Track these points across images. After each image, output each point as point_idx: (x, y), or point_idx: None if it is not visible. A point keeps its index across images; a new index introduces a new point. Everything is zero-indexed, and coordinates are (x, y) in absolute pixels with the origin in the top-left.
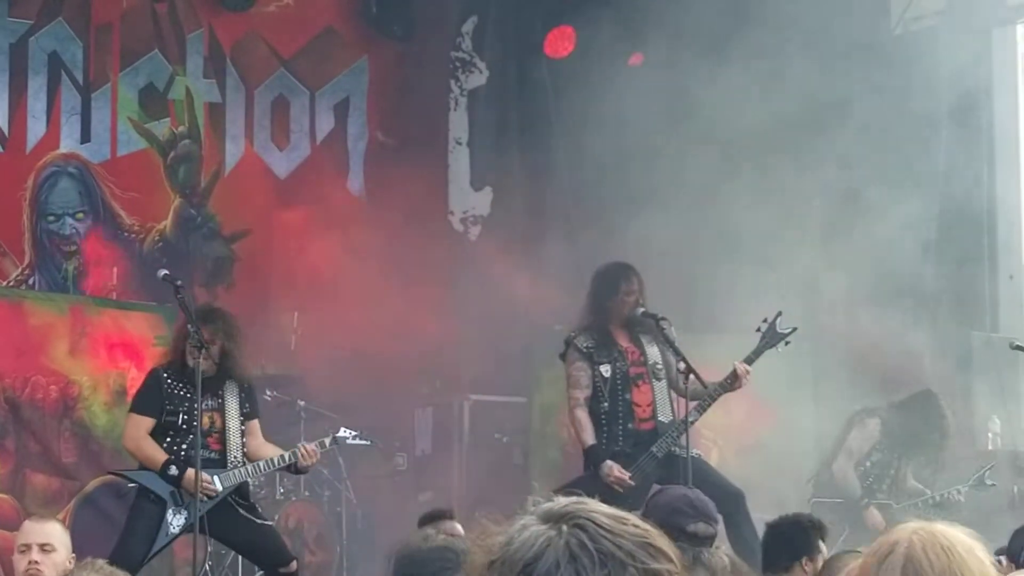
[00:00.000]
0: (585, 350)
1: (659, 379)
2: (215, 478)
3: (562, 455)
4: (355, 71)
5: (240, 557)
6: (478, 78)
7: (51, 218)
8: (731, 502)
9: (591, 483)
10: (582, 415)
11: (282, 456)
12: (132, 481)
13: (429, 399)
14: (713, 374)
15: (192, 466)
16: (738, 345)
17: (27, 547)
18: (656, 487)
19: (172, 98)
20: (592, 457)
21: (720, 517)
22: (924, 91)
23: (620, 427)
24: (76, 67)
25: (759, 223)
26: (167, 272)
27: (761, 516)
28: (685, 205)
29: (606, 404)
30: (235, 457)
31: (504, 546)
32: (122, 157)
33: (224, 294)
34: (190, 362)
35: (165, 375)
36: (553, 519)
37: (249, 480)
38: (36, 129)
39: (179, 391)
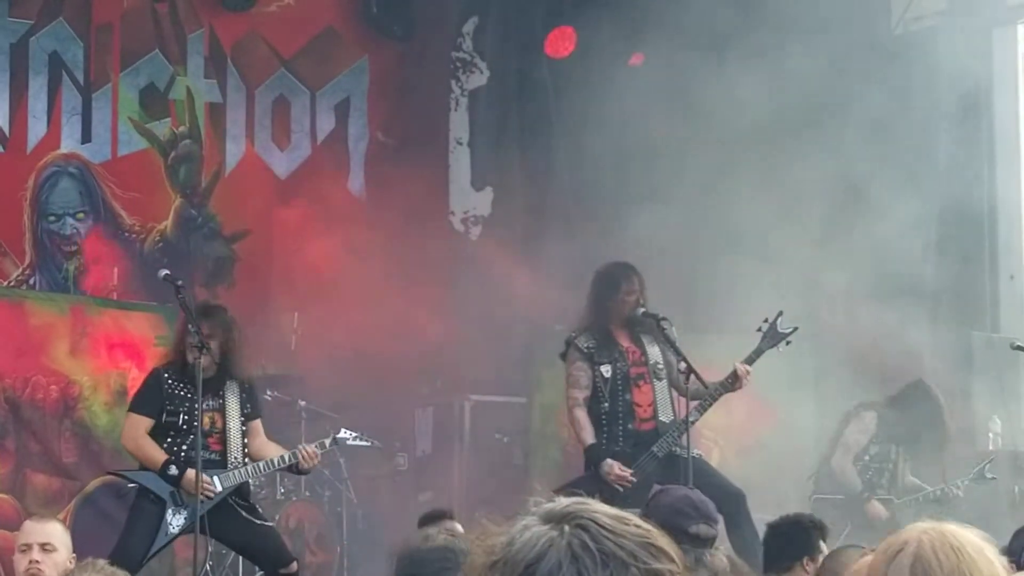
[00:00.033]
0: (586, 350)
1: (660, 379)
2: (215, 478)
3: (562, 455)
4: (355, 71)
5: (240, 557)
6: (478, 78)
7: (52, 218)
8: (732, 502)
9: (591, 483)
10: (581, 415)
11: (283, 457)
12: (132, 481)
13: (429, 399)
14: (714, 374)
15: (192, 466)
16: (739, 345)
17: (28, 546)
18: (657, 487)
19: (173, 98)
20: (592, 456)
21: (720, 518)
22: (924, 91)
23: (620, 427)
24: (77, 67)
25: (759, 223)
26: (168, 272)
27: (762, 516)
28: (686, 205)
29: (606, 404)
30: (235, 458)
31: (506, 546)
32: (123, 157)
33: (224, 294)
34: (191, 361)
35: (166, 375)
36: (555, 519)
37: (249, 480)
38: (37, 129)
39: (180, 391)
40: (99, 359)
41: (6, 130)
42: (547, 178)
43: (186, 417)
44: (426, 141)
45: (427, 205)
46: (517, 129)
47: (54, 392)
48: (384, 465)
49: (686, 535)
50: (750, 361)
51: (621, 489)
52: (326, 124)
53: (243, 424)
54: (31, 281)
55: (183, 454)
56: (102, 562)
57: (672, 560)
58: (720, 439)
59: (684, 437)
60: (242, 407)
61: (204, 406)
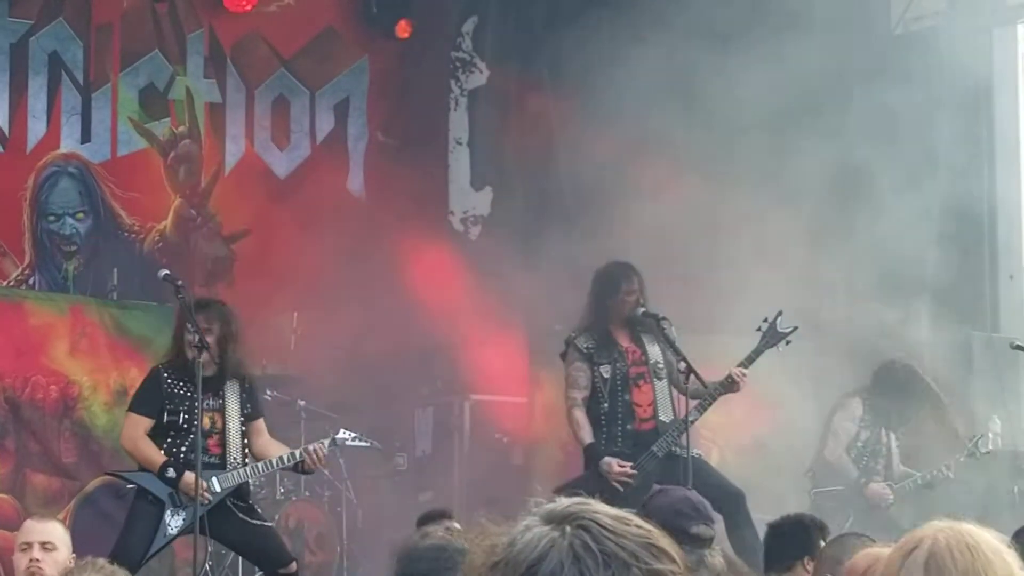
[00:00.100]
0: (585, 351)
1: (660, 378)
2: (213, 480)
3: (563, 455)
4: (355, 71)
5: (240, 557)
6: (478, 78)
7: (51, 218)
8: (731, 502)
9: (591, 482)
10: (579, 415)
11: (283, 457)
12: (130, 482)
13: (429, 399)
14: (713, 374)
15: (192, 468)
16: (739, 344)
17: (28, 545)
18: (656, 488)
19: (172, 98)
20: (591, 455)
21: (717, 518)
22: (924, 91)
23: (619, 428)
24: (76, 67)
25: (760, 223)
26: (168, 272)
27: (761, 516)
28: (686, 205)
29: (605, 405)
30: (235, 458)
31: (507, 547)
32: (122, 157)
33: (224, 294)
34: (190, 359)
35: (165, 374)
36: (556, 520)
37: (249, 481)
38: (36, 129)
39: (179, 390)
40: (98, 359)
41: (6, 130)
42: (547, 178)
43: (186, 416)
44: (426, 141)
45: (426, 205)
46: (517, 129)
47: (54, 392)
48: (384, 465)
49: (687, 535)
50: (750, 361)
51: (621, 488)
52: (326, 124)
53: (243, 424)
54: (30, 281)
55: (183, 455)
56: (102, 561)
57: (673, 561)
58: (719, 439)
59: (684, 437)
60: (242, 407)
61: (204, 406)
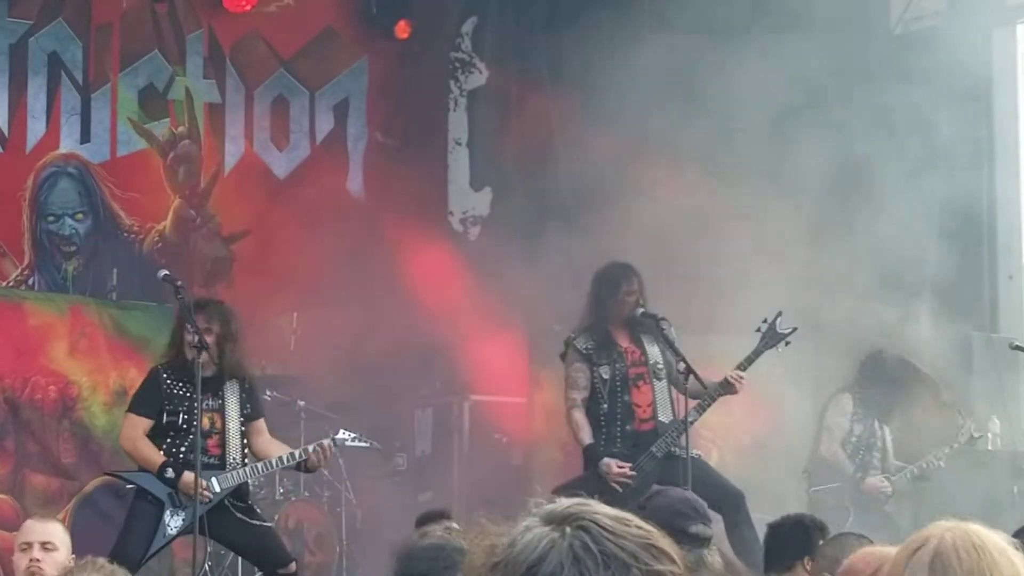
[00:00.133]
0: (585, 351)
1: (660, 379)
2: (213, 480)
3: (562, 455)
4: (355, 71)
5: (240, 557)
6: (478, 78)
7: (51, 218)
8: (731, 502)
9: (590, 483)
10: (578, 415)
11: (284, 456)
12: (129, 482)
13: (429, 399)
14: (713, 374)
15: (191, 468)
16: (738, 344)
17: (28, 545)
18: (654, 488)
19: (172, 98)
20: (590, 456)
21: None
22: (924, 91)
23: (618, 429)
24: (76, 67)
25: (759, 223)
26: (167, 272)
27: (761, 516)
28: (686, 204)
29: (605, 406)
30: (234, 459)
31: (507, 548)
32: (122, 157)
33: (223, 294)
34: (190, 359)
35: (165, 375)
36: (556, 521)
37: (248, 481)
38: (36, 129)
39: (179, 391)
40: (98, 359)
41: (5, 130)
42: (546, 178)
43: (185, 417)
44: (425, 141)
45: (426, 205)
46: (516, 129)
47: (53, 392)
48: (383, 465)
49: (687, 535)
50: (749, 362)
51: (620, 489)
52: (325, 124)
53: (243, 425)
54: (30, 281)
55: (182, 455)
56: (102, 560)
57: (673, 561)
58: (719, 439)
59: (683, 437)
60: (242, 407)
61: (204, 406)
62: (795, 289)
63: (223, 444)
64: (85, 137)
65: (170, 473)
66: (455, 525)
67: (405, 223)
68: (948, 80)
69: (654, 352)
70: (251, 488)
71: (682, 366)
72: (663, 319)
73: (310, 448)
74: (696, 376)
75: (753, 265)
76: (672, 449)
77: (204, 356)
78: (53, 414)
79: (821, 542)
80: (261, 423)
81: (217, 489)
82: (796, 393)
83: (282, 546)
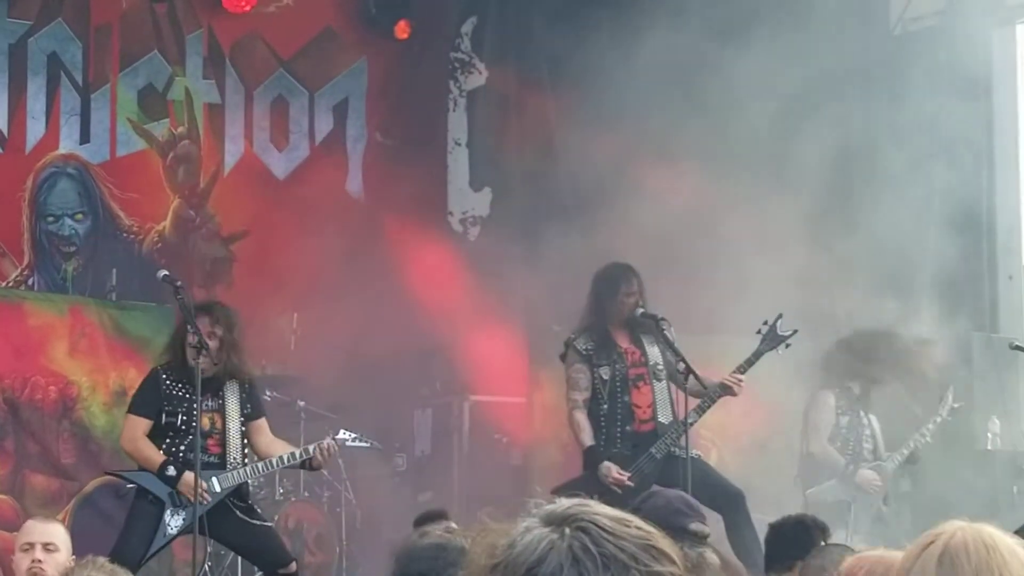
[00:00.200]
0: (584, 352)
1: (660, 379)
2: (213, 480)
3: (562, 455)
4: (354, 72)
5: (240, 557)
6: (477, 79)
7: (50, 219)
8: (731, 503)
9: (590, 483)
10: (580, 417)
11: (284, 457)
12: (130, 482)
13: (429, 399)
14: (713, 374)
15: (191, 468)
16: (738, 345)
17: (30, 546)
18: (649, 490)
19: (171, 99)
20: (590, 458)
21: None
22: (923, 91)
23: (618, 429)
24: (75, 68)
25: (759, 223)
26: (167, 273)
27: (761, 516)
28: (686, 204)
29: (605, 406)
30: (235, 459)
31: (507, 549)
32: (121, 158)
33: (223, 294)
34: (190, 361)
35: (164, 376)
36: (556, 522)
37: (249, 481)
38: (35, 130)
39: (178, 391)
40: (97, 360)
41: (5, 131)
42: (546, 178)
43: (185, 417)
44: (424, 142)
45: (425, 206)
46: (516, 129)
47: (53, 393)
48: (383, 465)
49: (686, 533)
50: (749, 364)
51: (620, 491)
52: (324, 125)
53: (243, 425)
54: (29, 282)
55: (182, 455)
56: (102, 559)
57: (673, 562)
58: (718, 439)
59: (683, 438)
60: (242, 407)
61: (203, 406)
62: (795, 290)
63: (223, 444)
64: (85, 137)
65: (171, 471)
66: (454, 526)
67: (405, 223)
68: (948, 80)
69: (654, 353)
70: (251, 488)
71: (682, 366)
72: (663, 319)
73: (311, 448)
74: (696, 376)
75: (753, 265)
76: (672, 450)
77: (204, 357)
78: (53, 414)
79: (822, 542)
80: (262, 422)
81: (217, 489)
82: (796, 393)
83: (282, 546)
